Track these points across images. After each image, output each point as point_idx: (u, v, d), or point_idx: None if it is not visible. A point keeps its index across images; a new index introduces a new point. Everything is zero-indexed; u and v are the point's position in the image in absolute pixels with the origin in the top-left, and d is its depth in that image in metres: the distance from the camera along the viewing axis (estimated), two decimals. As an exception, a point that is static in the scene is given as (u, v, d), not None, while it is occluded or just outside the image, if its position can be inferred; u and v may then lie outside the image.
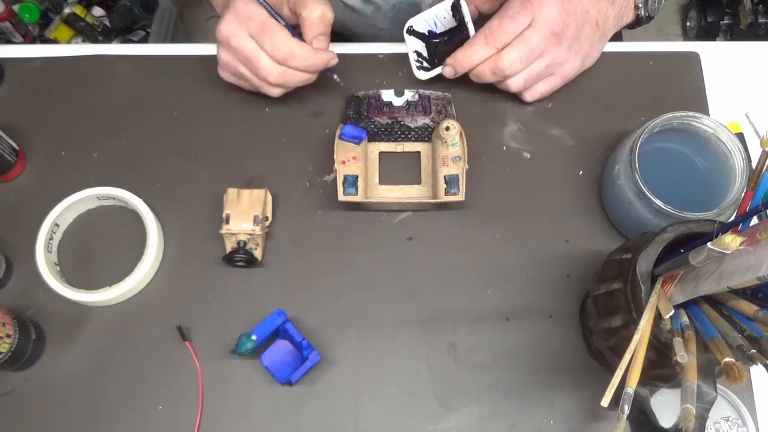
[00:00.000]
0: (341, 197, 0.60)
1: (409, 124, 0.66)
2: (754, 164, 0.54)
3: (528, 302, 0.61)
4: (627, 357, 0.42)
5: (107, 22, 1.49)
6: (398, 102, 0.66)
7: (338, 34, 0.85)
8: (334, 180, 0.62)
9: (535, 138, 0.67)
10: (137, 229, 0.62)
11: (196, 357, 0.58)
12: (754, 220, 0.48)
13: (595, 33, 0.64)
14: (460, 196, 0.61)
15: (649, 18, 0.67)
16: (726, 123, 0.60)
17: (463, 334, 0.60)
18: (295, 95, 0.66)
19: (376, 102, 0.66)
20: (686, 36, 1.79)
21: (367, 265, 0.62)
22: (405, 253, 0.63)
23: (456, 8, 0.64)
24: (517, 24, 0.60)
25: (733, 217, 0.57)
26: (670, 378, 0.45)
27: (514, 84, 0.63)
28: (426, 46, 0.66)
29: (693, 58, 0.70)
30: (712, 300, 0.46)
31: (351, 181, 0.60)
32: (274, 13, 0.59)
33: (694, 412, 0.38)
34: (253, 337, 0.56)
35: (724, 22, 1.69)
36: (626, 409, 0.39)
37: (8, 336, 0.54)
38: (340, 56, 0.62)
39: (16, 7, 1.40)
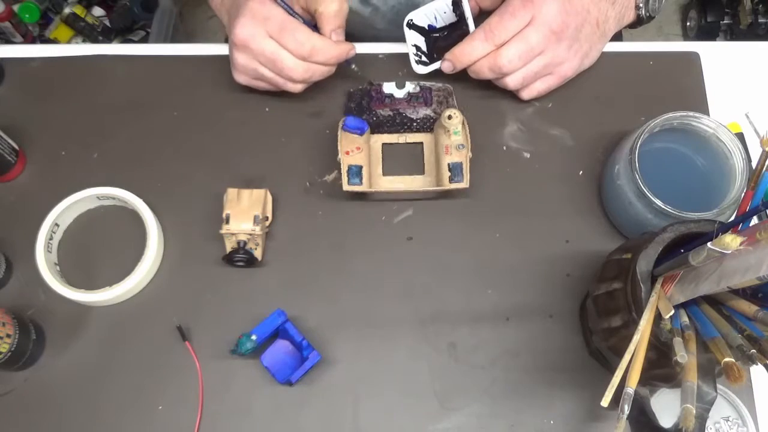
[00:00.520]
0: (346, 187, 0.60)
1: (411, 116, 0.66)
2: (754, 164, 0.54)
3: (528, 302, 0.61)
4: (627, 357, 0.42)
5: (107, 22, 1.49)
6: (399, 94, 0.66)
7: None
8: (335, 180, 0.62)
9: (535, 138, 0.67)
10: (137, 229, 0.62)
11: (196, 357, 0.58)
12: (754, 220, 0.48)
13: (594, 33, 0.64)
14: (464, 183, 0.61)
15: (650, 18, 0.67)
16: (726, 123, 0.60)
17: (463, 334, 0.60)
18: (295, 95, 0.66)
19: (377, 94, 0.66)
20: (686, 36, 1.79)
21: (367, 265, 0.62)
22: (405, 253, 0.63)
23: (456, 3, 0.64)
24: (518, 21, 0.60)
25: (733, 217, 0.57)
26: (670, 378, 0.45)
27: (511, 82, 0.63)
28: (426, 41, 0.66)
29: (693, 58, 0.70)
30: (712, 300, 0.46)
31: (355, 171, 0.61)
32: (292, 11, 0.59)
33: (694, 412, 0.38)
34: (253, 337, 0.56)
35: (724, 22, 1.69)
36: (626, 409, 0.39)
37: (8, 336, 0.54)
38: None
39: (16, 7, 1.40)
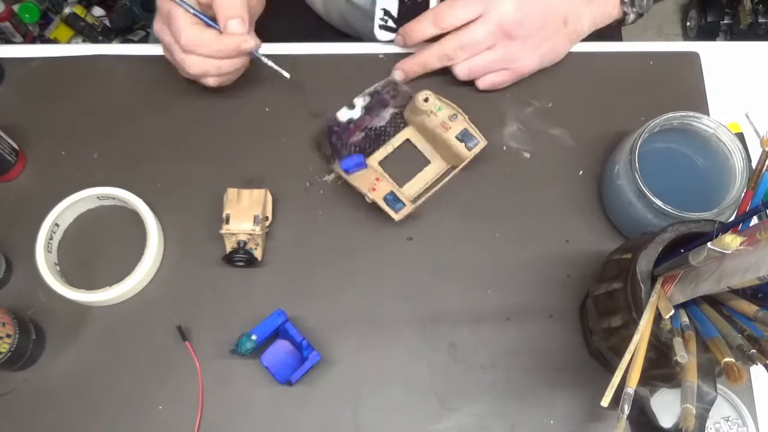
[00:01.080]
0: (398, 218, 0.59)
1: (380, 124, 0.65)
2: (754, 164, 0.54)
3: (528, 302, 0.61)
4: (627, 357, 0.42)
5: (107, 22, 1.49)
6: (356, 113, 0.65)
7: (339, 31, 0.85)
8: (335, 180, 0.62)
9: (535, 138, 0.67)
10: (137, 229, 0.62)
11: (196, 357, 0.58)
12: (754, 220, 0.48)
13: (560, 30, 0.63)
14: (482, 142, 0.61)
15: (639, 15, 0.66)
16: (726, 123, 0.60)
17: (463, 334, 0.60)
18: (295, 95, 0.66)
19: (339, 127, 0.64)
20: (686, 36, 1.79)
21: (367, 265, 0.62)
22: (405, 253, 0.63)
23: None
24: (468, 11, 0.60)
25: (733, 217, 0.57)
26: (670, 378, 0.45)
27: (459, 71, 0.64)
28: (398, 5, 0.65)
29: (693, 58, 0.70)
30: (712, 300, 0.46)
31: (392, 199, 0.59)
32: (179, 1, 0.56)
33: (694, 412, 0.38)
34: (253, 337, 0.56)
35: (724, 22, 1.69)
36: (626, 409, 0.39)
37: (8, 336, 0.54)
38: (341, 56, 0.62)
39: (16, 7, 1.40)
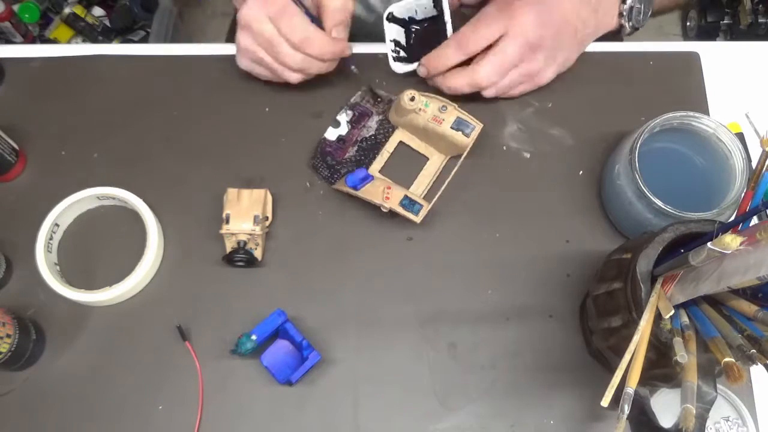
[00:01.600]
0: (419, 220, 0.59)
1: (369, 134, 0.65)
2: (754, 164, 0.54)
3: (528, 302, 0.61)
4: (627, 357, 0.42)
5: (107, 22, 1.49)
6: (343, 130, 0.65)
7: None
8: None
9: (535, 138, 0.67)
10: (137, 229, 0.62)
11: (196, 357, 0.58)
12: (754, 220, 0.48)
13: (573, 41, 0.64)
14: (479, 126, 0.61)
15: (635, 29, 0.67)
16: (726, 123, 0.60)
17: (463, 334, 0.60)
18: (295, 95, 0.66)
19: (331, 147, 0.65)
20: (686, 36, 1.79)
21: (367, 265, 0.62)
22: (405, 253, 0.63)
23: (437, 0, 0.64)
24: (491, 31, 0.60)
25: (733, 217, 0.57)
26: (670, 378, 0.45)
27: (488, 93, 0.64)
28: (405, 33, 0.66)
29: (693, 58, 0.70)
30: (712, 300, 0.46)
31: (408, 203, 0.59)
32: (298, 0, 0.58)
33: (694, 412, 0.38)
34: (253, 337, 0.56)
35: (724, 22, 1.69)
36: (626, 409, 0.39)
37: (8, 336, 0.54)
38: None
39: (16, 7, 1.40)
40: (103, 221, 0.64)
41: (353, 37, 0.63)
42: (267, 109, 0.68)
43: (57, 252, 0.62)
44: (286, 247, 0.63)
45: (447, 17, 0.63)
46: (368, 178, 0.60)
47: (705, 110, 0.68)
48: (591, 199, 0.65)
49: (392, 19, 0.65)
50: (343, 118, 0.65)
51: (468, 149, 0.62)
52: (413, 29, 0.66)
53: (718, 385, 0.45)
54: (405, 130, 0.65)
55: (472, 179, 0.64)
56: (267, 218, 0.62)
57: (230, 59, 0.66)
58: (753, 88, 0.70)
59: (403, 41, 0.66)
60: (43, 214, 0.61)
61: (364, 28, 0.78)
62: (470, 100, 0.67)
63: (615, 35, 0.68)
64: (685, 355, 0.39)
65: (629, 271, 0.48)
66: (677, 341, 0.41)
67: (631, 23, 0.66)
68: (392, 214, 0.59)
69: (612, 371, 0.42)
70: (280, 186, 0.64)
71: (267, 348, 0.56)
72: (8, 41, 1.43)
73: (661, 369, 0.46)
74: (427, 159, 0.65)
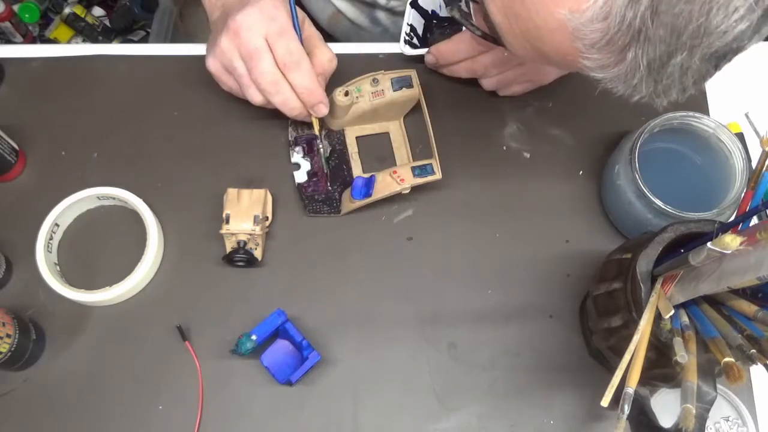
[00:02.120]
0: (440, 175, 0.59)
1: (328, 153, 0.64)
2: (754, 164, 0.54)
3: (528, 302, 0.61)
4: (627, 357, 0.42)
5: (107, 22, 1.49)
6: (306, 166, 0.64)
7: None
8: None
9: (535, 138, 0.67)
10: (137, 229, 0.62)
11: (196, 357, 0.58)
12: (754, 220, 0.48)
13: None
14: (413, 71, 0.62)
15: None
16: (726, 123, 0.60)
17: (463, 334, 0.60)
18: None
19: (309, 186, 0.63)
20: (686, 36, 1.78)
21: (367, 265, 0.62)
22: (405, 253, 0.63)
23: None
24: None
25: (733, 217, 0.57)
26: (670, 378, 0.45)
27: (486, 84, 0.65)
28: (424, 25, 0.66)
29: (693, 58, 0.70)
30: (712, 300, 0.46)
31: (420, 169, 0.60)
32: (297, 28, 0.58)
33: (694, 412, 0.38)
34: (253, 337, 0.56)
35: (724, 22, 1.69)
36: (626, 409, 0.39)
37: (8, 336, 0.54)
38: (341, 56, 0.62)
39: (16, 7, 1.40)
40: (103, 221, 0.64)
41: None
42: (267, 109, 0.67)
43: (57, 252, 0.62)
44: (286, 247, 0.63)
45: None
46: (372, 179, 0.60)
47: (705, 110, 0.68)
48: (591, 199, 0.65)
49: (415, 5, 0.65)
50: (298, 156, 0.64)
51: (420, 94, 0.62)
52: (433, 24, 0.66)
53: (718, 385, 0.45)
54: (352, 126, 0.65)
55: (472, 179, 0.64)
56: (267, 218, 0.62)
57: (230, 59, 0.66)
58: (753, 88, 0.70)
59: (419, 30, 0.66)
60: (43, 214, 0.61)
61: (369, 41, 0.78)
62: (470, 100, 0.67)
63: None
64: (685, 355, 0.39)
65: (629, 271, 0.48)
66: (677, 341, 0.41)
67: None
68: (377, 206, 0.59)
69: (612, 371, 0.42)
70: (280, 186, 0.64)
71: (267, 348, 0.56)
72: (8, 41, 1.43)
73: (661, 369, 0.46)
74: (387, 132, 0.65)
